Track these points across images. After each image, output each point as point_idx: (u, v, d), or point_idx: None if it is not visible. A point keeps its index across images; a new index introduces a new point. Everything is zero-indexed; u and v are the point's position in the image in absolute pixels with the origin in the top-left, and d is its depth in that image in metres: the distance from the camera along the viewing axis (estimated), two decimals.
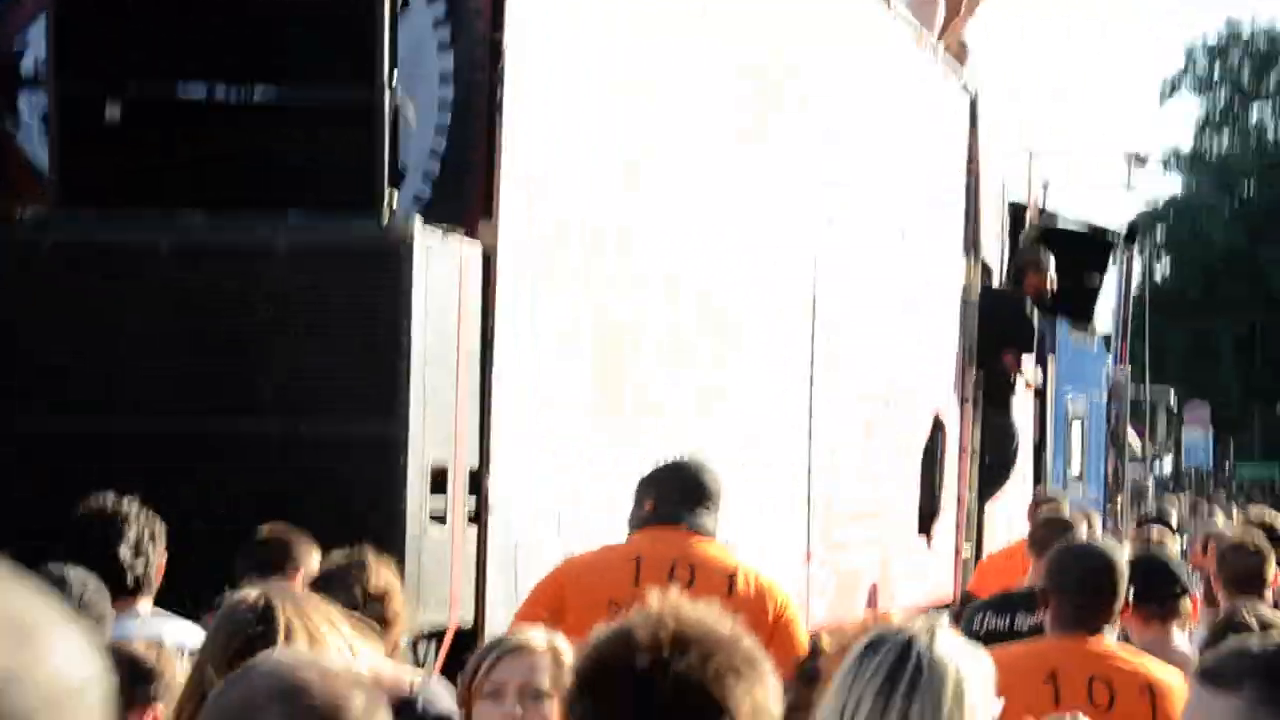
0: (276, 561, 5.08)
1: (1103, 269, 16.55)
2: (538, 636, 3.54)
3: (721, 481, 5.76)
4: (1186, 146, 50.23)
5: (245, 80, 6.20)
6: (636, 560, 5.65)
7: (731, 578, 5.46)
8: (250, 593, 3.01)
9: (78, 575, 4.51)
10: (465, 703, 3.49)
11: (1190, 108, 52.15)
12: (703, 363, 8.16)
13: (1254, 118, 50.44)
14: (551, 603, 5.44)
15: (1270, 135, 50.40)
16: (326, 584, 4.43)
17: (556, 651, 3.43)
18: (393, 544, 5.54)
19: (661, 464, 6.06)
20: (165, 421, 5.80)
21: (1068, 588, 4.69)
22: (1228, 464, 41.54)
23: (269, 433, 5.81)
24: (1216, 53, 50.44)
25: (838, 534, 9.64)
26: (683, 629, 2.08)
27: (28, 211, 6.11)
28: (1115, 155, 18.03)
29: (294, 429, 5.82)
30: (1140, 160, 20.21)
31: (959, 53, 13.37)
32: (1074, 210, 16.11)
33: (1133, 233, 18.24)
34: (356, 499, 5.82)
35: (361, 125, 6.14)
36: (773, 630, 5.19)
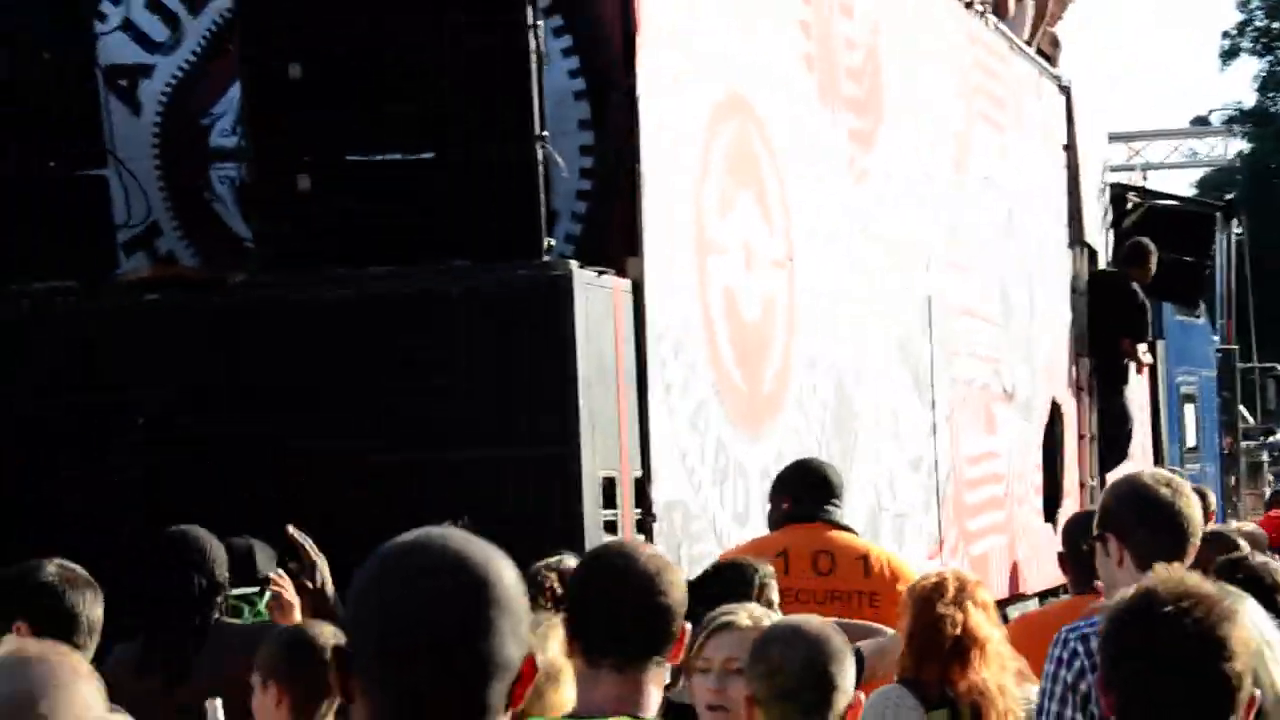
0: None
1: (1206, 247, 16.96)
2: (741, 615, 4.12)
3: (842, 475, 6.54)
4: (1249, 106, 48.76)
5: (414, 143, 6.95)
6: (785, 553, 6.38)
7: (865, 559, 6.20)
8: None
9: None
10: (687, 675, 4.10)
11: (1250, 67, 50.75)
12: (835, 366, 8.83)
13: None
14: None
15: None
16: (529, 583, 5.14)
17: (760, 628, 4.00)
18: (576, 551, 6.26)
19: (790, 465, 6.83)
20: (374, 452, 6.54)
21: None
22: None
23: (463, 459, 6.54)
24: (1272, 10, 49.18)
25: (969, 523, 10.27)
26: None
27: (238, 277, 6.88)
28: (1181, 123, 18.16)
29: (483, 455, 6.54)
30: (1204, 123, 20.42)
31: (1051, 49, 13.92)
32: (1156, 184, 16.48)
33: (1232, 208, 18.62)
34: (541, 514, 6.52)
35: (520, 178, 6.87)
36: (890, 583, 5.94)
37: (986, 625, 4.70)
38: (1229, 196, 19.85)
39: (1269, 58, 48.47)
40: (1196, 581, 2.76)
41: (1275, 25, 48.58)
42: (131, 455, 6.60)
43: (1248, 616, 2.96)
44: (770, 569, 5.33)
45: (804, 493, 6.58)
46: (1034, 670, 4.82)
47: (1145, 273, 14.02)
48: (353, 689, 2.10)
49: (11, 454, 6.64)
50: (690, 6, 7.85)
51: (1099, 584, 4.58)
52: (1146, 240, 14.35)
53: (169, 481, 6.59)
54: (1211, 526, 8.87)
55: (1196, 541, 4.41)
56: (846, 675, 3.63)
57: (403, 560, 2.12)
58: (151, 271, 7.25)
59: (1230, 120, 45.90)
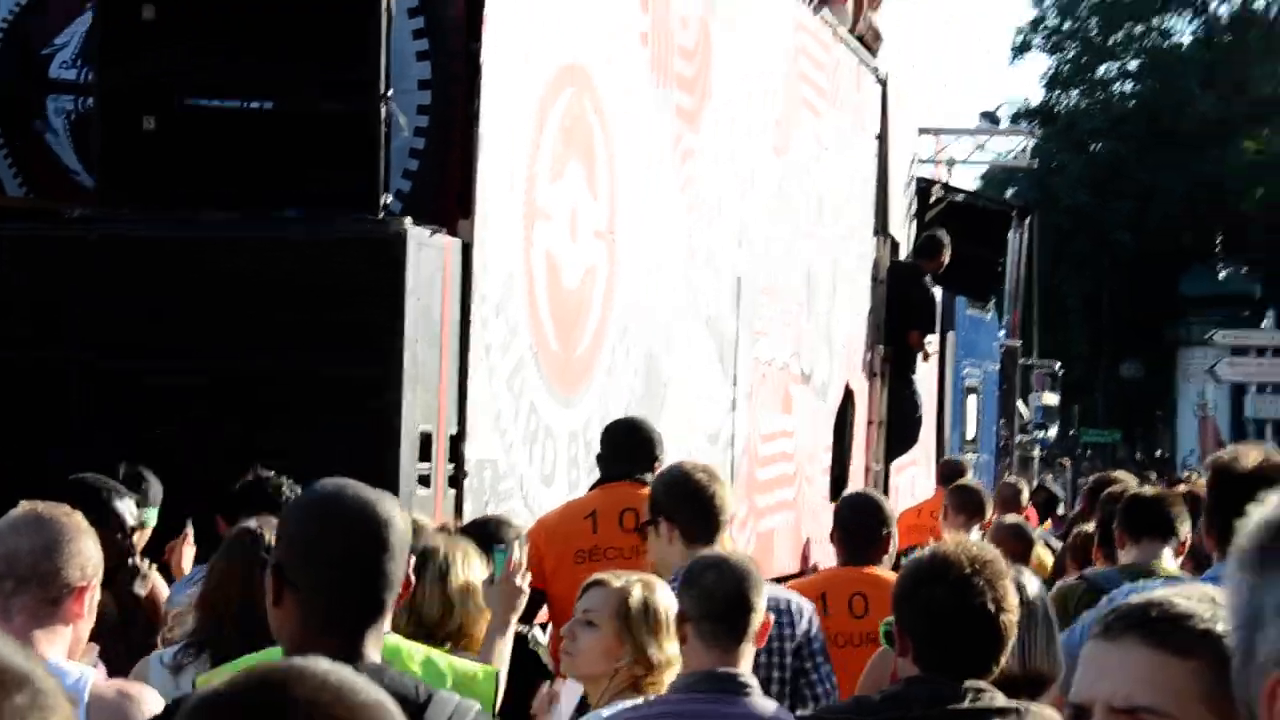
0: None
1: (1001, 245, 17.57)
2: (612, 578, 4.43)
3: (660, 438, 6.81)
4: (1036, 103, 49.44)
5: (259, 92, 7.09)
6: (593, 514, 6.68)
7: None
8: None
9: None
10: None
11: (1040, 65, 52.00)
12: (646, 338, 9.13)
13: (1100, 74, 50.01)
14: (533, 557, 6.41)
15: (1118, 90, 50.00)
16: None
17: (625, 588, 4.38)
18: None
19: (609, 425, 7.12)
20: (201, 392, 6.70)
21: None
22: (1070, 430, 40.78)
23: (286, 405, 6.71)
24: (1064, 8, 49.45)
25: (759, 499, 10.65)
26: None
27: (75, 210, 6.97)
28: (970, 116, 18.67)
29: (306, 402, 6.72)
30: (993, 119, 20.97)
31: (873, 40, 14.33)
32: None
33: (1026, 210, 19.29)
34: (357, 460, 6.71)
35: (361, 132, 7.04)
36: None
37: None
38: (1024, 200, 20.51)
39: (1058, 55, 49.49)
40: (982, 548, 3.54)
41: (1067, 24, 49.56)
42: None
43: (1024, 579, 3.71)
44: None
45: (612, 453, 6.87)
46: None
47: (937, 265, 14.49)
48: (283, 593, 2.88)
49: None
50: None
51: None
52: (941, 233, 14.81)
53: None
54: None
55: (727, 519, 5.33)
56: (762, 600, 4.23)
57: (327, 505, 2.94)
58: None
59: (1016, 116, 46.96)
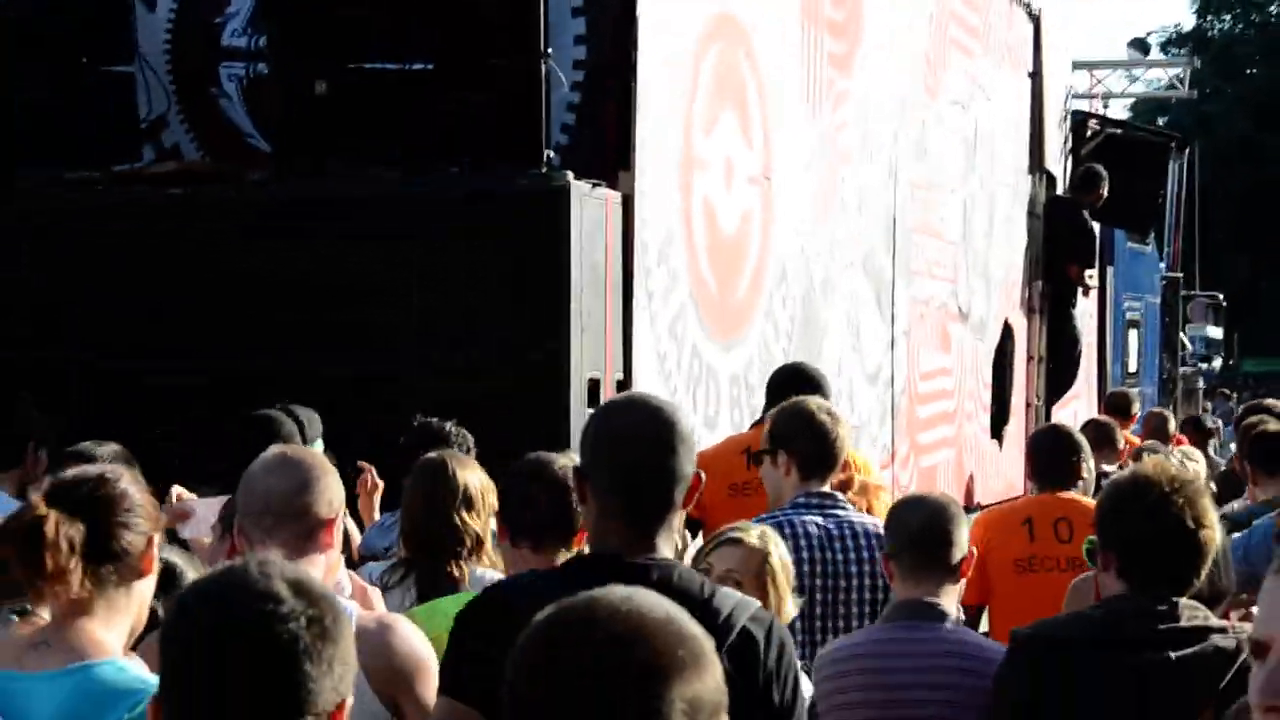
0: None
1: (1160, 177, 17.47)
2: (750, 534, 4.50)
3: (828, 380, 7.01)
4: (1188, 29, 48.58)
5: (422, 55, 7.37)
6: (747, 450, 6.90)
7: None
8: None
9: None
10: None
11: None
12: (803, 280, 9.32)
13: None
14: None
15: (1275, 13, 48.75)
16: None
17: (762, 548, 4.55)
18: (558, 448, 6.74)
19: (776, 370, 7.30)
20: (388, 342, 7.02)
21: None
22: (1219, 359, 40.11)
23: (463, 354, 7.00)
24: None
25: (920, 437, 10.82)
26: None
27: (255, 174, 7.31)
28: (1119, 45, 18.45)
29: (481, 351, 7.01)
30: (1144, 47, 20.72)
31: None
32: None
33: (1185, 141, 19.13)
34: (531, 409, 6.99)
35: (523, 90, 7.29)
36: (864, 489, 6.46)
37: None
38: (1182, 130, 20.34)
39: None
40: (1173, 469, 3.75)
41: None
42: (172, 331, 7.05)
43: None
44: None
45: (774, 394, 7.06)
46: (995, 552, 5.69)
47: (1096, 198, 14.49)
48: (585, 491, 3.21)
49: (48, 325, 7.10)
50: None
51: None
52: (1099, 167, 14.80)
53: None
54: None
55: (844, 458, 5.49)
56: (962, 532, 4.43)
57: (624, 408, 3.36)
58: (175, 166, 7.65)
59: (1167, 44, 46.05)
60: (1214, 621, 3.58)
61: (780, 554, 4.45)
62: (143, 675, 2.98)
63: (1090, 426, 8.69)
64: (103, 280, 7.19)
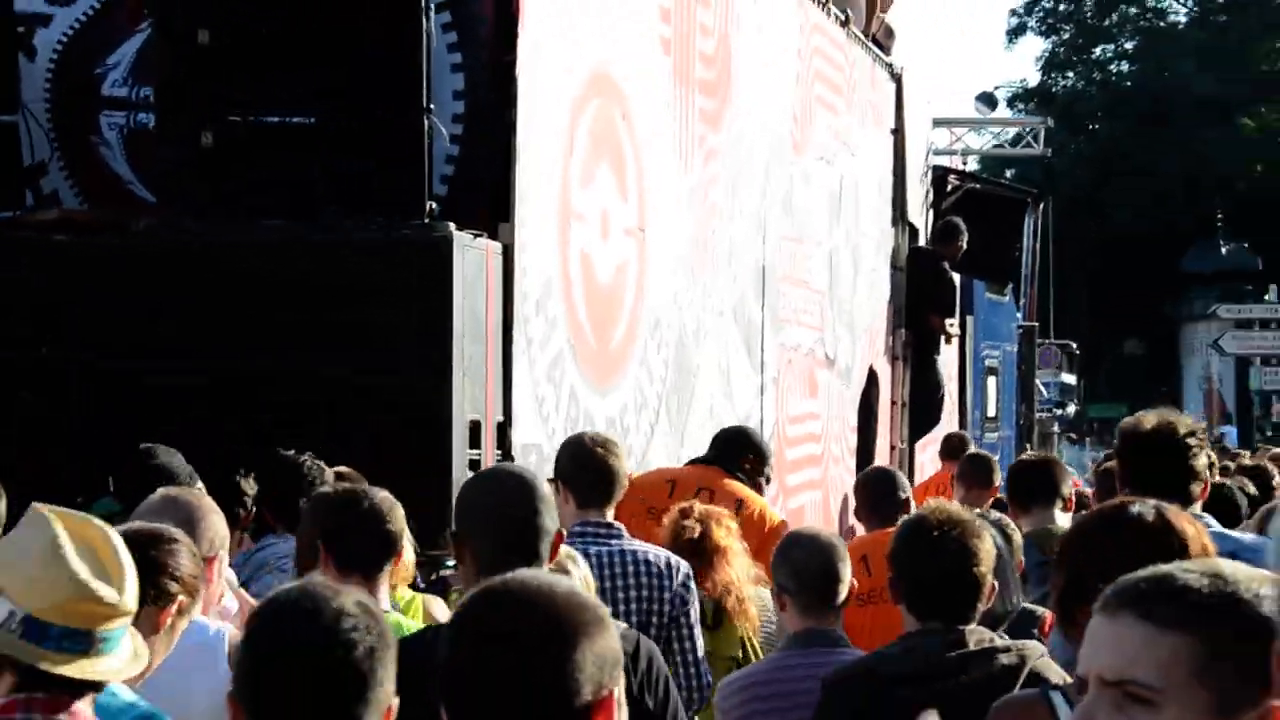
0: None
1: (1017, 231, 18.01)
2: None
3: (760, 442, 7.63)
4: (1033, 84, 49.62)
5: (308, 108, 7.58)
6: (672, 482, 7.38)
7: (740, 502, 7.11)
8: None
9: None
10: None
11: (1035, 46, 51.58)
12: (676, 329, 9.61)
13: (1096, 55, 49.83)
14: None
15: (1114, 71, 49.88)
16: None
17: None
18: (442, 487, 6.96)
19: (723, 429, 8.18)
20: (261, 383, 7.19)
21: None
22: (1074, 405, 40.82)
23: (347, 398, 7.20)
24: None
25: (789, 478, 11.12)
26: None
27: (140, 222, 7.48)
28: (966, 99, 18.85)
29: (365, 396, 7.20)
30: (990, 101, 21.24)
31: (885, 39, 14.79)
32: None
33: (1040, 196, 19.73)
34: (414, 450, 7.20)
35: (407, 144, 7.53)
36: (766, 539, 6.77)
37: (727, 538, 5.95)
38: (1037, 186, 20.95)
39: (1054, 38, 49.50)
40: (955, 510, 4.09)
41: (1062, 7, 49.54)
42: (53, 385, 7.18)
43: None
44: None
45: (714, 445, 7.92)
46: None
47: (955, 250, 14.97)
48: (464, 552, 3.70)
49: None
50: None
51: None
52: (958, 220, 15.27)
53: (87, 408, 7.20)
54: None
55: (625, 485, 5.86)
56: (847, 569, 4.88)
57: (490, 478, 3.99)
58: (59, 213, 7.80)
59: (1013, 98, 47.11)
60: (999, 642, 3.89)
61: (582, 574, 4.76)
62: (131, 699, 3.20)
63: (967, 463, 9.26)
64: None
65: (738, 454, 7.75)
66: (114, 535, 3.10)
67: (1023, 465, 7.34)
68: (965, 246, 15.02)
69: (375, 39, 7.58)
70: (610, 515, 5.72)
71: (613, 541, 5.62)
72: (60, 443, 7.21)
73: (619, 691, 2.10)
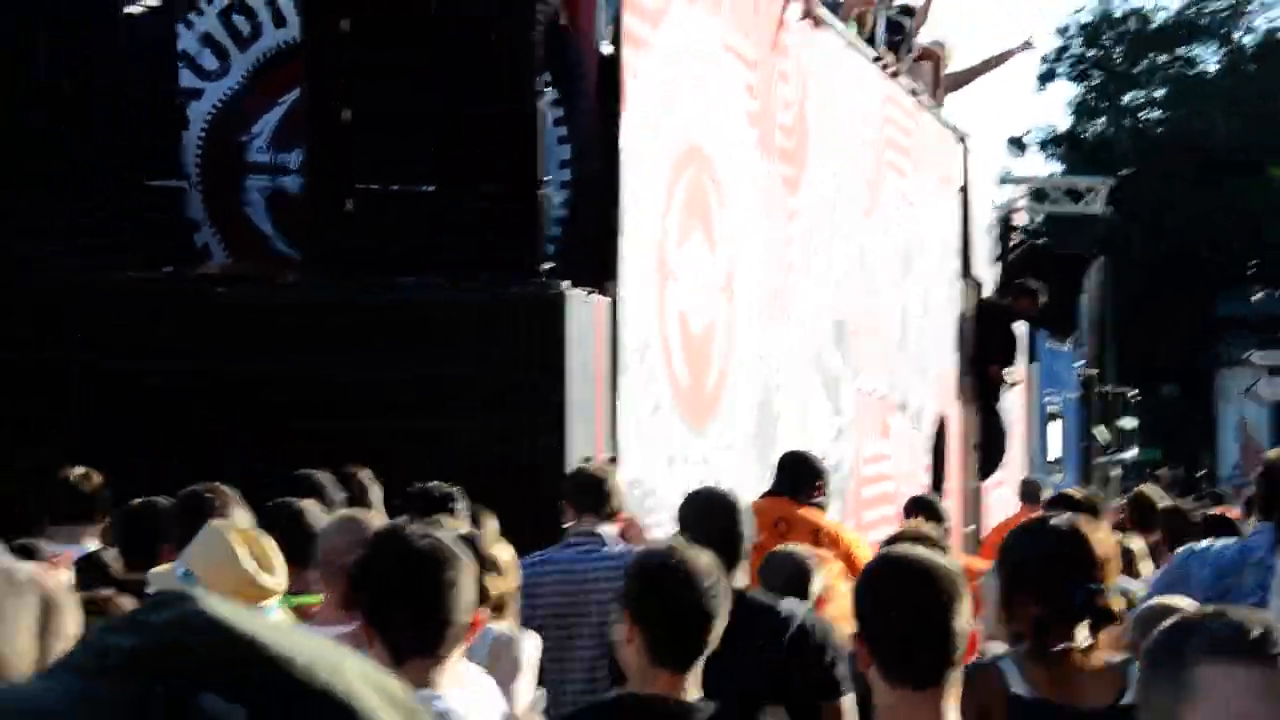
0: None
1: (1080, 284, 18.88)
2: None
3: (821, 465, 8.15)
4: (1063, 129, 49.24)
5: (440, 179, 8.52)
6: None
7: (816, 531, 7.82)
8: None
9: None
10: None
11: (1065, 91, 50.83)
12: (761, 377, 10.49)
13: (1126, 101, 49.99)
14: None
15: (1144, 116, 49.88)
16: None
17: None
18: (558, 524, 7.84)
19: (784, 454, 8.50)
20: (399, 432, 8.09)
21: None
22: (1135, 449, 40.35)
23: (475, 441, 8.08)
24: (1089, 34, 48.88)
25: (865, 515, 11.98)
26: None
27: (289, 277, 8.43)
28: (998, 142, 19.39)
29: (491, 438, 8.10)
30: (1020, 146, 22.03)
31: (943, 99, 15.68)
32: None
33: (1100, 253, 20.57)
34: (535, 487, 8.08)
35: (527, 212, 8.46)
36: (844, 556, 7.55)
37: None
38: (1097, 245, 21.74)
39: (1083, 84, 49.56)
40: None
41: (1091, 53, 49.56)
42: (209, 411, 8.13)
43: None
44: None
45: (782, 475, 8.29)
46: None
47: (1031, 306, 15.79)
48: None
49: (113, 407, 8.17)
50: (659, 73, 9.44)
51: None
52: (1035, 283, 15.99)
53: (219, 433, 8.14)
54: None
55: (614, 500, 6.75)
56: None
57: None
58: (223, 268, 8.77)
59: (1044, 143, 47.29)
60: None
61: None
62: None
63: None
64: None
65: (808, 481, 8.10)
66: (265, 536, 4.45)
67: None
68: (1041, 305, 15.81)
69: (495, 119, 8.51)
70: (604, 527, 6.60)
71: (590, 546, 6.53)
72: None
73: None
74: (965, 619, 3.36)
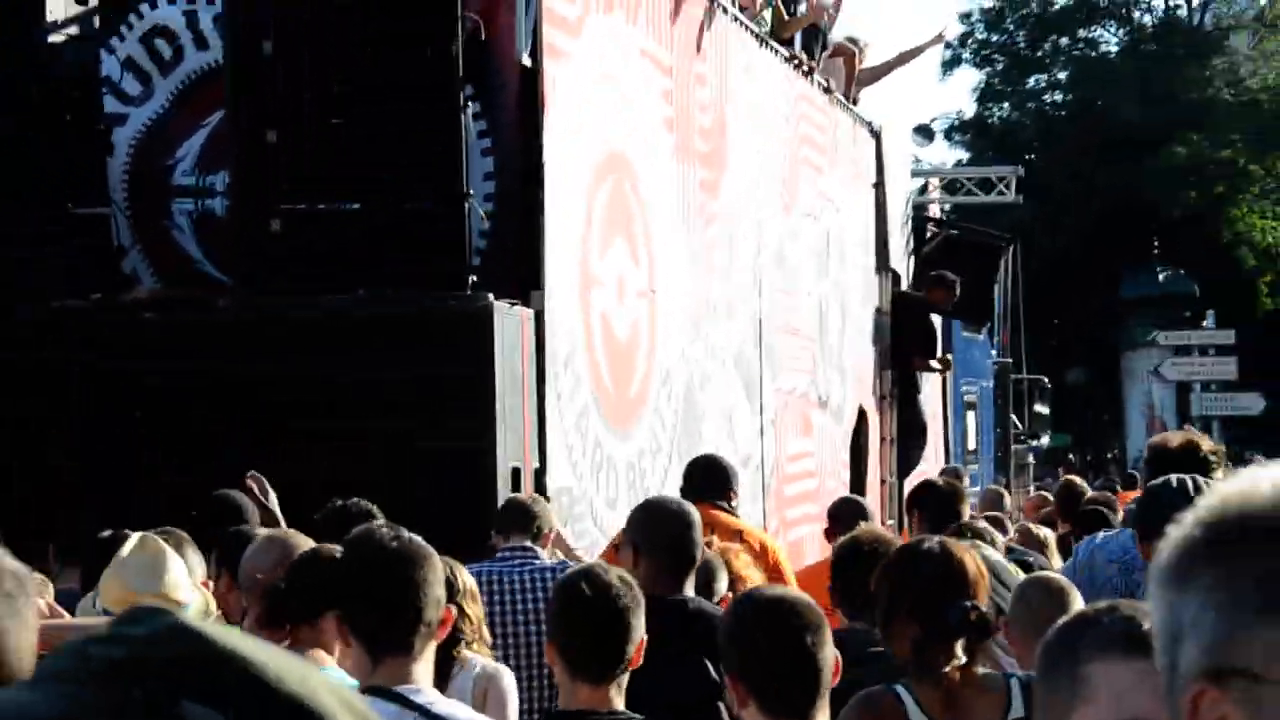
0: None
1: (993, 273, 19.14)
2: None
3: (732, 470, 8.22)
4: (969, 115, 49.08)
5: (364, 195, 8.64)
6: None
7: (740, 533, 7.93)
8: None
9: None
10: None
11: (970, 78, 50.62)
12: (684, 378, 10.68)
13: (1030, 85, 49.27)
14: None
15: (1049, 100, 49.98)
16: None
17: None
18: (487, 527, 7.99)
19: (692, 460, 8.51)
20: (324, 438, 8.21)
21: None
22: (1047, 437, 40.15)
23: (398, 451, 8.22)
24: (992, 19, 48.74)
25: (788, 512, 12.18)
26: None
27: (220, 300, 8.54)
28: (907, 132, 19.41)
29: (417, 448, 8.24)
30: (928, 133, 22.08)
31: (857, 95, 15.90)
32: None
33: (1013, 240, 20.86)
34: (462, 496, 8.23)
35: (453, 225, 8.59)
36: (772, 568, 7.72)
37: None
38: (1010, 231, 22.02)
39: (987, 69, 49.78)
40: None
41: (995, 38, 49.78)
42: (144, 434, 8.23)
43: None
44: None
45: (694, 478, 8.06)
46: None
47: (946, 298, 16.04)
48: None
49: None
50: (579, 82, 9.60)
51: None
52: (950, 274, 16.24)
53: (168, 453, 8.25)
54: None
55: (537, 520, 6.87)
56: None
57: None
58: (151, 293, 8.86)
59: (950, 130, 47.58)
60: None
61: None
62: None
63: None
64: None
65: (723, 485, 7.87)
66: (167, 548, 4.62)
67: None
68: (957, 296, 16.06)
69: (419, 133, 8.64)
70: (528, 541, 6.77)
71: (517, 558, 6.65)
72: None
73: None
74: (830, 647, 3.63)
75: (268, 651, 1.23)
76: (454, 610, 4.48)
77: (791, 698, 3.57)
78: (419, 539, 3.95)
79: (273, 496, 7.09)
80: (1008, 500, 13.16)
